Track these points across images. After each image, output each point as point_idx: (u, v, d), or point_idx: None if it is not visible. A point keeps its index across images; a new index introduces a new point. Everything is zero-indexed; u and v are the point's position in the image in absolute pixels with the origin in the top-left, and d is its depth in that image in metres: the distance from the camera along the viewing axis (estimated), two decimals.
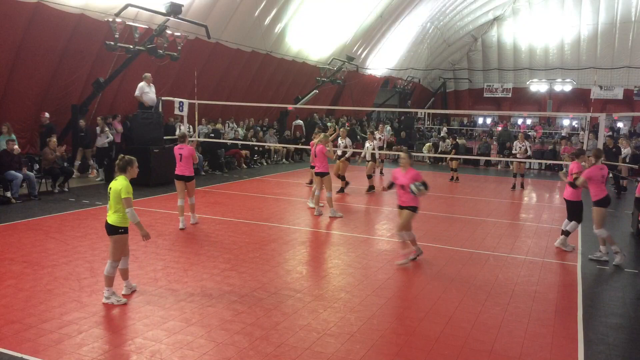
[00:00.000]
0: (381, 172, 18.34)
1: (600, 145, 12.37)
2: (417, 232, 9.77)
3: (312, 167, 15.77)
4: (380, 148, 18.69)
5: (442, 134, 28.43)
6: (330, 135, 12.79)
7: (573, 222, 8.71)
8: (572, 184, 8.37)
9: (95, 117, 15.70)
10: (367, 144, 14.81)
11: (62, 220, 9.68)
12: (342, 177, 14.02)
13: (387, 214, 11.64)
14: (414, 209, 7.53)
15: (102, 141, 14.67)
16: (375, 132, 19.73)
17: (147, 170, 13.04)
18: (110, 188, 5.83)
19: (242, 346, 4.86)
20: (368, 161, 14.53)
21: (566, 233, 8.78)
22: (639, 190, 7.74)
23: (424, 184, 7.30)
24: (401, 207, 7.62)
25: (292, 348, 4.85)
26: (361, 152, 15.52)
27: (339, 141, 14.21)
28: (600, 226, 8.06)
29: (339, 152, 13.99)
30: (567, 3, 36.25)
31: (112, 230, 5.79)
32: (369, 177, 14.32)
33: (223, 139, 18.08)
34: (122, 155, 6.04)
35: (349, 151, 14.20)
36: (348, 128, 22.12)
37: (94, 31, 13.87)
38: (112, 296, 5.78)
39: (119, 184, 5.77)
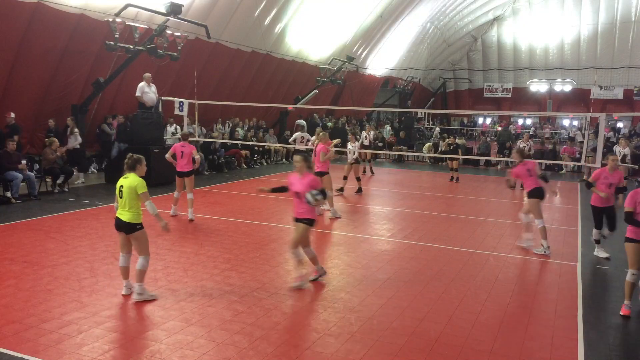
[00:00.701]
0: (372, 171, 18.18)
1: (600, 145, 12.37)
2: (418, 232, 9.83)
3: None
4: (367, 147, 18.69)
5: (434, 135, 28.55)
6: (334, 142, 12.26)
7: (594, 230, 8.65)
8: (587, 183, 8.43)
9: (96, 117, 15.71)
10: (349, 146, 14.12)
11: (62, 220, 9.68)
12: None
13: (387, 214, 11.64)
14: (310, 222, 6.50)
15: (71, 143, 13.87)
16: (363, 132, 19.72)
17: (147, 170, 12.94)
18: (121, 186, 5.83)
19: (242, 346, 4.86)
20: (352, 163, 13.91)
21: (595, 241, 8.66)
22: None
23: (323, 192, 6.41)
24: (296, 220, 6.55)
25: (292, 348, 4.85)
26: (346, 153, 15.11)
27: (312, 139, 13.99)
28: (539, 216, 8.64)
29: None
30: (567, 3, 36.26)
31: (130, 228, 5.82)
32: (358, 179, 13.87)
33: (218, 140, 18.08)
34: (131, 154, 6.05)
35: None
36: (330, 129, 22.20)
37: (94, 31, 13.88)
38: (145, 293, 5.87)
39: (133, 181, 5.80)
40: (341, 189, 13.59)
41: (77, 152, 14.18)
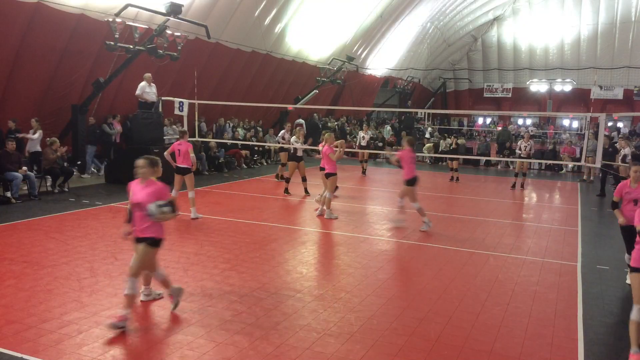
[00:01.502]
0: (364, 172, 18.10)
1: (600, 145, 12.37)
2: (418, 232, 9.83)
3: (283, 165, 15.62)
4: (364, 148, 18.60)
5: (427, 135, 28.48)
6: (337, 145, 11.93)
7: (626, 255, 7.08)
8: (613, 204, 6.96)
9: (96, 117, 15.69)
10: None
11: (62, 220, 9.68)
12: (287, 180, 13.55)
13: (387, 214, 11.64)
14: (154, 243, 5.28)
15: (32, 145, 12.80)
16: (360, 132, 19.61)
17: None
18: None
19: (242, 346, 4.86)
20: None
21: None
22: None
23: (171, 205, 5.19)
24: (138, 240, 5.29)
25: (292, 348, 4.85)
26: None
27: (292, 140, 13.65)
28: (414, 201, 9.78)
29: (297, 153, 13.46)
30: (567, 3, 36.24)
31: None
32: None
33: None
34: (146, 156, 6.00)
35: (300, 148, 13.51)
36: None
37: (94, 31, 13.87)
38: (152, 293, 5.93)
39: None
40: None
41: (39, 155, 12.83)
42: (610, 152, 15.32)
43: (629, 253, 6.57)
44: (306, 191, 13.41)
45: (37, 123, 12.97)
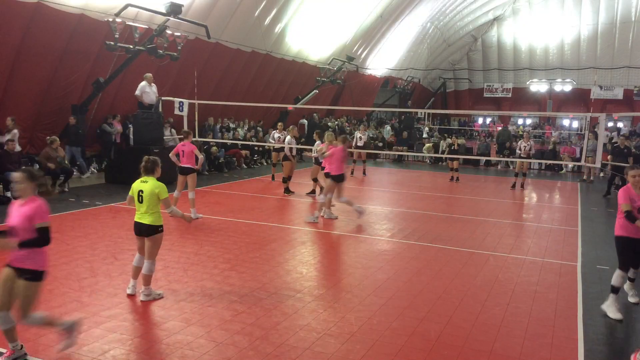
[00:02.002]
0: (364, 173, 18.12)
1: (600, 145, 12.36)
2: (418, 232, 9.83)
3: (274, 165, 15.92)
4: (361, 148, 18.57)
5: (424, 135, 28.47)
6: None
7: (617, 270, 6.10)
8: (629, 216, 5.82)
9: (96, 117, 15.70)
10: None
11: (62, 220, 9.67)
12: (284, 179, 13.55)
13: (387, 214, 11.64)
14: (36, 276, 4.33)
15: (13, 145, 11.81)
16: (356, 132, 19.60)
17: None
18: (141, 191, 5.79)
19: (242, 346, 4.86)
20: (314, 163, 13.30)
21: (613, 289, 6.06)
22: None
23: (44, 232, 4.22)
24: (14, 269, 4.30)
25: (292, 348, 4.85)
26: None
27: (287, 139, 13.66)
28: (326, 194, 10.30)
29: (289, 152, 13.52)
30: (567, 3, 36.22)
31: (151, 230, 5.80)
32: (315, 180, 13.35)
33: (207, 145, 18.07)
34: (147, 156, 6.03)
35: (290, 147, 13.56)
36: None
37: (94, 31, 13.87)
38: (152, 293, 5.93)
39: (154, 185, 5.77)
40: (312, 192, 13.47)
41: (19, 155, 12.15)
42: (625, 153, 15.22)
43: (626, 269, 6.03)
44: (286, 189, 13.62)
45: (12, 122, 12.34)
